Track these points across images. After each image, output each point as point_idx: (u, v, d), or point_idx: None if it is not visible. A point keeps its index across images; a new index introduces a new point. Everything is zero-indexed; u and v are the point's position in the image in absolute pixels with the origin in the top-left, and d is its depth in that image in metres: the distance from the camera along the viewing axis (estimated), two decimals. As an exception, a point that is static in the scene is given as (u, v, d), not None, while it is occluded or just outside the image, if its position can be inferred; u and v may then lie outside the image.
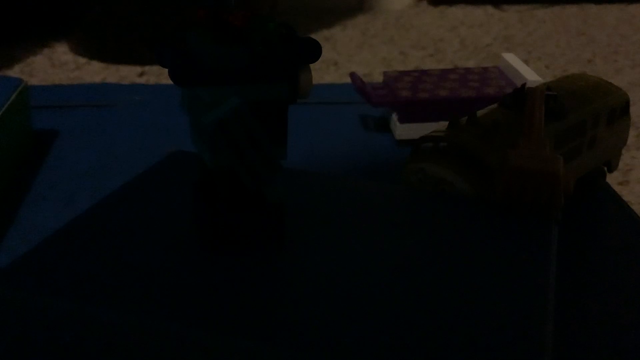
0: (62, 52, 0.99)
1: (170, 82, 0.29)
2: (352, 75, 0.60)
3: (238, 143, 0.30)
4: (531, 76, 0.57)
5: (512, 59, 0.62)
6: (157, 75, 0.90)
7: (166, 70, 0.29)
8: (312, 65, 0.31)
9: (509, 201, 0.37)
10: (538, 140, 0.40)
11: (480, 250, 0.34)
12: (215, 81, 0.29)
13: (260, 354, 0.27)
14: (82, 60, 0.95)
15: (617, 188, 0.58)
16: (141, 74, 0.90)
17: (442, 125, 0.44)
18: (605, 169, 0.50)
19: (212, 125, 0.29)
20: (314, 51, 0.30)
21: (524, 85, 0.47)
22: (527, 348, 0.27)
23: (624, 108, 0.49)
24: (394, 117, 0.58)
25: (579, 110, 0.45)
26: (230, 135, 0.29)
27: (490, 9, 1.21)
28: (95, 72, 0.91)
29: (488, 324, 0.28)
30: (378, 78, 0.77)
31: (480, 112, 0.45)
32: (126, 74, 0.90)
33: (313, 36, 0.30)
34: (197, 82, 0.29)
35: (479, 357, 0.26)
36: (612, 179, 0.56)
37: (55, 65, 0.94)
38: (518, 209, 0.37)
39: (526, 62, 0.90)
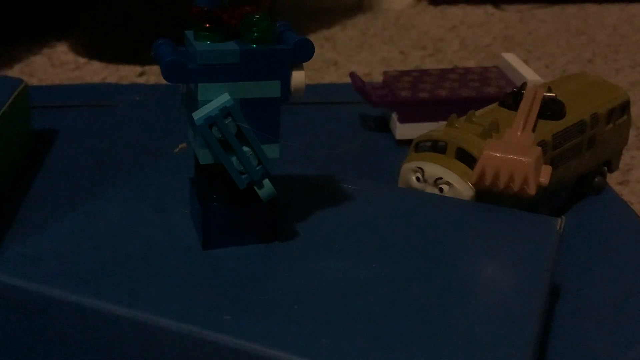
0: (62, 52, 0.99)
1: (169, 82, 0.29)
2: (352, 75, 0.60)
3: (228, 141, 0.30)
4: (531, 76, 0.57)
5: (512, 59, 0.62)
6: (157, 75, 0.90)
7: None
8: (312, 65, 0.31)
9: (482, 186, 0.38)
10: (523, 132, 0.40)
11: (478, 251, 0.34)
12: (205, 78, 0.29)
13: (252, 353, 0.27)
14: (82, 60, 0.95)
15: (617, 188, 0.57)
16: (141, 74, 0.90)
17: (441, 124, 0.44)
18: (606, 169, 0.50)
19: (202, 122, 0.29)
20: (307, 50, 0.30)
21: (523, 84, 0.47)
22: (511, 352, 0.27)
23: (624, 108, 0.49)
24: (394, 117, 0.58)
25: (578, 110, 0.45)
26: (219, 133, 0.29)
27: (490, 9, 1.21)
28: (95, 72, 0.91)
29: (476, 324, 0.28)
30: (378, 78, 0.77)
31: (479, 112, 0.45)
32: (126, 74, 0.90)
33: (313, 36, 0.30)
34: (187, 78, 0.29)
35: (462, 354, 0.27)
36: (612, 179, 0.56)
37: (55, 65, 0.94)
38: (491, 195, 0.38)
39: (526, 62, 0.90)
